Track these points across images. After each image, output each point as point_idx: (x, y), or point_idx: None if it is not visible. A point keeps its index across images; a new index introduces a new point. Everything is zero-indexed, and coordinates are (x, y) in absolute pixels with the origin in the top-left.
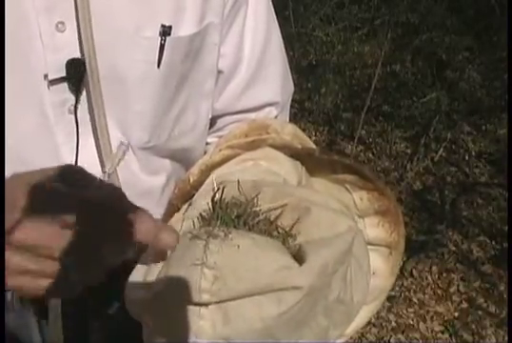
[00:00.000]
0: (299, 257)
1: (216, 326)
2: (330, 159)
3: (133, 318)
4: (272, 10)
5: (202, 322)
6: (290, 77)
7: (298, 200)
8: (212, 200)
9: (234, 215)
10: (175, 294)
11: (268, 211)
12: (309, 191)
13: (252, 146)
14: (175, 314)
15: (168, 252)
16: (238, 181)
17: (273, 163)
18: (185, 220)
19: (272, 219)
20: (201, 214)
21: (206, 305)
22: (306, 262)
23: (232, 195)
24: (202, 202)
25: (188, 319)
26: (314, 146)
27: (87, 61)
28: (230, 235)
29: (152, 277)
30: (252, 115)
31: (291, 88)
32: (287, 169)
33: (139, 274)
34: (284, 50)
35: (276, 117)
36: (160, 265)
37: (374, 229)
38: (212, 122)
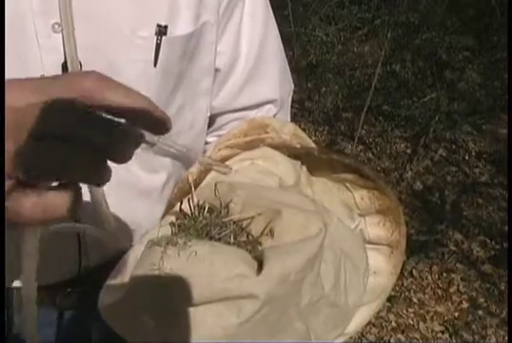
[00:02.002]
0: (263, 264)
1: None
2: (330, 158)
3: None
4: (269, 7)
5: None
6: (289, 75)
7: (270, 203)
8: (181, 209)
9: (200, 226)
10: (133, 301)
11: (239, 221)
12: (284, 192)
13: (251, 145)
14: (134, 322)
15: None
16: (215, 184)
17: (270, 163)
18: (162, 226)
19: (244, 225)
20: (172, 222)
21: None
22: (264, 270)
23: (208, 202)
24: (181, 207)
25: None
26: (314, 145)
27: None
28: (189, 243)
29: (122, 282)
30: (252, 113)
31: (291, 85)
32: (284, 168)
33: (112, 279)
34: (282, 47)
35: (275, 115)
36: (130, 269)
37: (375, 228)
38: (212, 120)
